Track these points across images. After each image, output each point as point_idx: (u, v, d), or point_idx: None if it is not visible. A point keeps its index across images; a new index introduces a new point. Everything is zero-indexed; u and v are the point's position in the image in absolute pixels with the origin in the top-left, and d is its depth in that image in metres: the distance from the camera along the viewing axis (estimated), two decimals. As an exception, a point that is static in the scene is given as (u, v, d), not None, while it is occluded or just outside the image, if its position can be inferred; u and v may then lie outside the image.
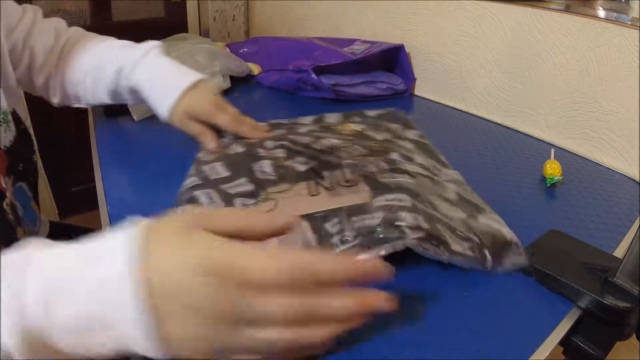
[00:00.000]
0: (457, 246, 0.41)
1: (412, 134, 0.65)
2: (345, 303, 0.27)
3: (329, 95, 0.84)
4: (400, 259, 0.44)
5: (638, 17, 0.62)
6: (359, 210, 0.43)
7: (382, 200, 0.44)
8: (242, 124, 0.60)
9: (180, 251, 0.26)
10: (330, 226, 0.42)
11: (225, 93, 0.87)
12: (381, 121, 0.68)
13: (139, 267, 0.25)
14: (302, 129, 0.63)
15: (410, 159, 0.55)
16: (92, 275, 0.26)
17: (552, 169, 0.59)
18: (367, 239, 0.40)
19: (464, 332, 0.36)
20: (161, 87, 0.59)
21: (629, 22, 0.62)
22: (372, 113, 0.71)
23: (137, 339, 0.25)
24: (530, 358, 0.34)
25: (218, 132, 0.60)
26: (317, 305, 0.27)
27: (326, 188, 0.48)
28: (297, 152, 0.55)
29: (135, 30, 1.26)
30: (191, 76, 0.60)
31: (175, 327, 0.25)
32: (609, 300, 0.36)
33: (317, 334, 0.27)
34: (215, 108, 0.59)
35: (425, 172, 0.52)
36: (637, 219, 0.53)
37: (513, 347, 0.35)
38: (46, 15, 0.63)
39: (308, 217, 0.43)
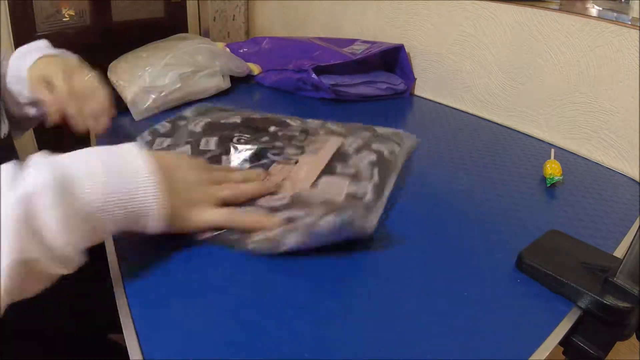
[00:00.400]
0: (393, 149, 0.60)
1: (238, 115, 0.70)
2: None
3: (329, 96, 0.84)
4: (400, 259, 0.44)
5: (638, 17, 0.62)
6: (345, 156, 0.56)
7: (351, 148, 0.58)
8: (73, 104, 0.54)
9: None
10: (341, 168, 0.53)
11: (225, 93, 0.87)
12: (208, 113, 0.71)
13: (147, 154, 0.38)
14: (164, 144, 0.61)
15: (287, 124, 0.65)
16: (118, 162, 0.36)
17: (552, 169, 0.59)
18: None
19: (464, 332, 0.36)
20: (25, 56, 0.56)
21: (629, 22, 0.62)
22: (188, 112, 0.71)
23: (148, 196, 0.36)
24: (530, 358, 0.34)
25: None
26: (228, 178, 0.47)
27: (298, 154, 0.56)
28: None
29: (135, 30, 1.26)
30: (60, 50, 0.58)
31: (172, 178, 0.39)
32: (609, 300, 0.36)
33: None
34: (63, 71, 0.54)
35: (313, 126, 0.65)
36: (637, 219, 0.53)
37: (513, 347, 0.35)
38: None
39: (322, 175, 0.52)
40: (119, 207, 0.35)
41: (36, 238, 0.30)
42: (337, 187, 0.49)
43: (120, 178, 0.35)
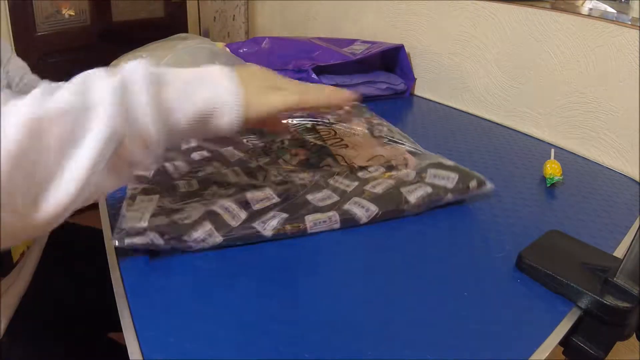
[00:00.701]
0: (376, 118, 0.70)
1: None
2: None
3: (329, 95, 0.84)
4: (399, 259, 0.44)
5: (638, 17, 0.62)
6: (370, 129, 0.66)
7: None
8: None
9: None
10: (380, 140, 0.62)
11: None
12: None
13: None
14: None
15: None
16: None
17: (552, 169, 0.59)
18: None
19: (463, 332, 0.36)
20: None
21: (629, 22, 0.62)
22: None
23: (227, 88, 0.38)
24: (530, 358, 0.34)
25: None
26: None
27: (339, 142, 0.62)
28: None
29: (135, 30, 1.26)
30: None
31: (245, 72, 0.40)
32: (609, 300, 0.36)
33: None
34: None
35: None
36: (637, 219, 0.53)
37: (513, 347, 0.35)
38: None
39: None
40: (199, 87, 0.37)
41: (129, 114, 0.33)
42: (398, 150, 0.57)
43: (198, 70, 0.38)
